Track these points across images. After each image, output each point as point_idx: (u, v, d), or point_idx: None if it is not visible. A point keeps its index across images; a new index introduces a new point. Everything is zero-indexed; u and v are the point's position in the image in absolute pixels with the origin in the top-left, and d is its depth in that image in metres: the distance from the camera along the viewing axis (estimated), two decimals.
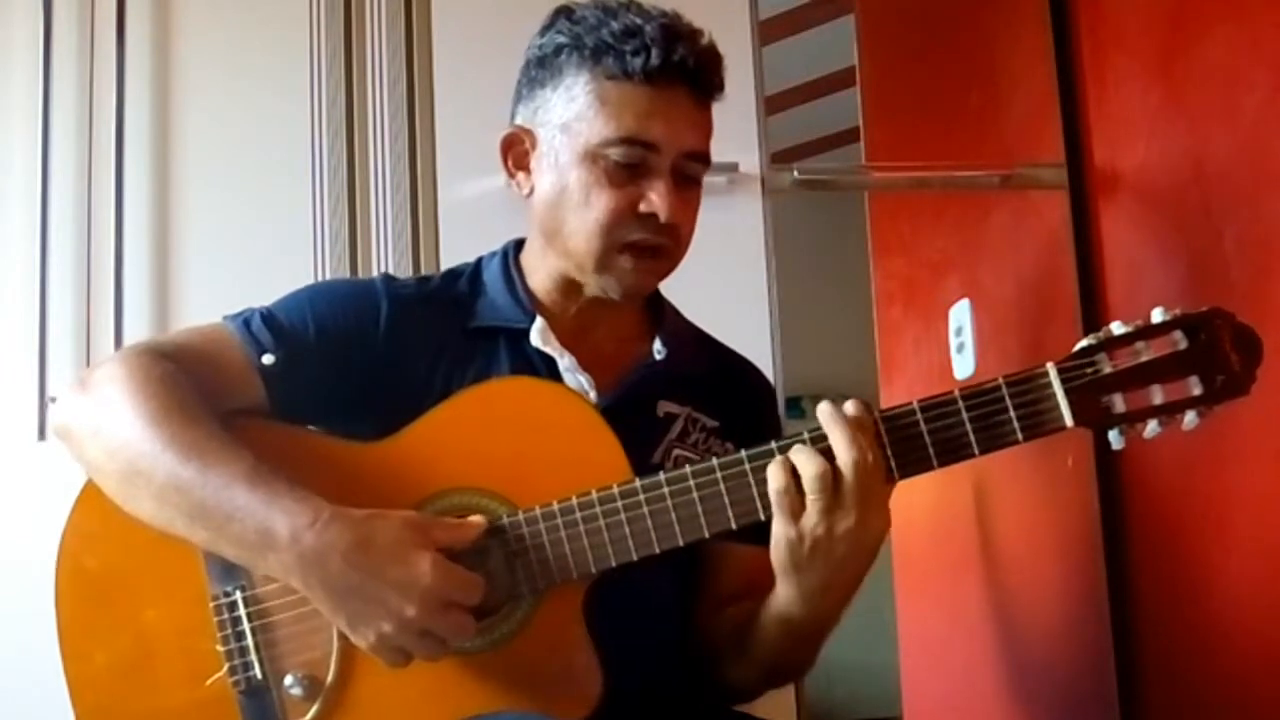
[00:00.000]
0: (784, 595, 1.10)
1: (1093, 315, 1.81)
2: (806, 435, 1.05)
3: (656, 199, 1.18)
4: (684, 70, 1.18)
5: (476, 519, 1.06)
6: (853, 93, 2.57)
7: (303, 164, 1.73)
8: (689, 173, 1.22)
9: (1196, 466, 1.60)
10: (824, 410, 1.04)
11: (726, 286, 1.72)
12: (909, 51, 2.46)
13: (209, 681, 1.11)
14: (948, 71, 2.29)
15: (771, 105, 1.79)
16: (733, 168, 1.72)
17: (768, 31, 1.88)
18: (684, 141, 1.20)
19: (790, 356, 1.72)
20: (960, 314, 2.13)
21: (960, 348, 2.12)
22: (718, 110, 1.24)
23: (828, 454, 1.02)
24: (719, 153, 1.24)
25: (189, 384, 1.11)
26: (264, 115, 1.74)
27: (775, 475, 1.03)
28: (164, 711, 1.12)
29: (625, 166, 1.18)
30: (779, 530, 1.04)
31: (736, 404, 1.32)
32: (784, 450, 1.05)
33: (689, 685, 1.30)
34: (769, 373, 1.65)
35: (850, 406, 1.04)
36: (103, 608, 1.15)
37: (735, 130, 1.72)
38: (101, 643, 1.14)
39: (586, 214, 1.20)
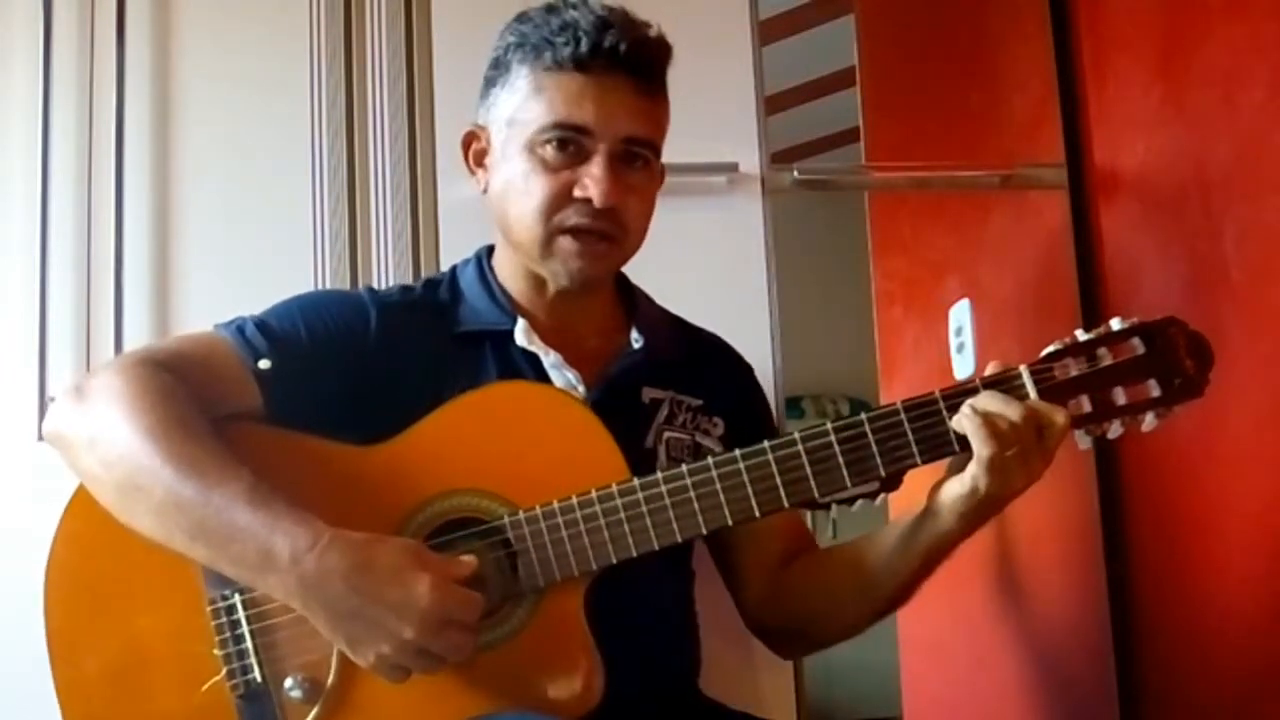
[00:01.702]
0: (944, 525, 1.13)
1: (1093, 315, 1.81)
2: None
3: (590, 183, 1.20)
4: (616, 56, 1.19)
5: (468, 559, 1.06)
6: (853, 93, 2.57)
7: (303, 164, 1.73)
8: (633, 159, 1.23)
9: (1196, 465, 1.60)
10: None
11: (726, 286, 1.72)
12: (909, 51, 2.46)
13: (205, 686, 1.10)
14: (948, 71, 2.29)
15: (771, 105, 1.78)
16: (733, 168, 1.71)
17: (768, 31, 1.87)
18: (620, 127, 1.21)
19: (790, 356, 1.71)
20: (960, 314, 2.13)
21: (960, 348, 2.12)
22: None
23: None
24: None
25: (187, 397, 1.11)
26: (264, 115, 1.74)
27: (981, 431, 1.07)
28: (158, 718, 1.12)
29: (561, 152, 1.20)
30: (978, 482, 1.08)
31: (716, 381, 1.35)
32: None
33: (689, 684, 1.30)
34: (769, 372, 1.66)
35: None
36: (94, 613, 1.15)
37: (735, 130, 1.72)
38: (92, 649, 1.14)
39: (527, 201, 1.22)
